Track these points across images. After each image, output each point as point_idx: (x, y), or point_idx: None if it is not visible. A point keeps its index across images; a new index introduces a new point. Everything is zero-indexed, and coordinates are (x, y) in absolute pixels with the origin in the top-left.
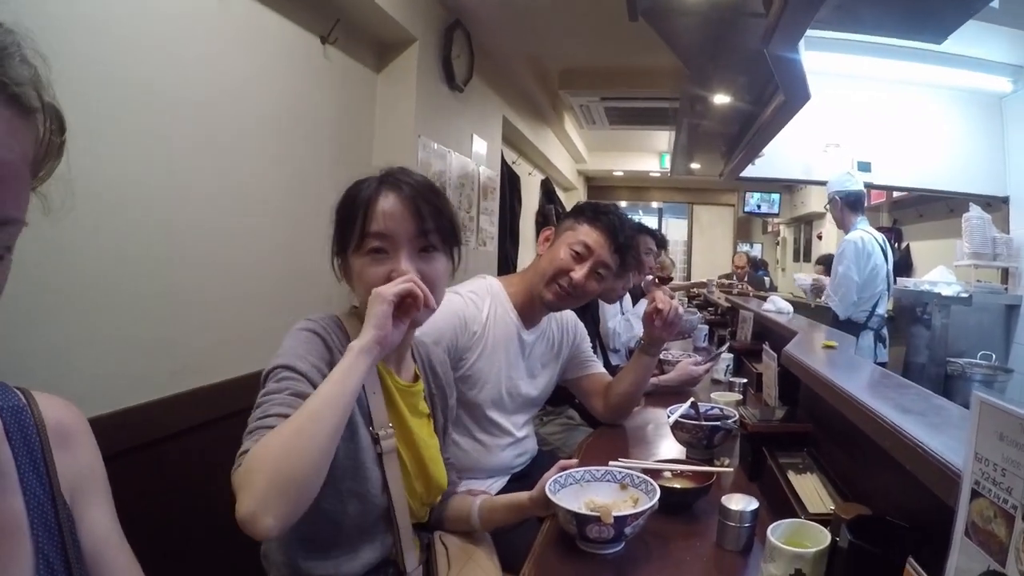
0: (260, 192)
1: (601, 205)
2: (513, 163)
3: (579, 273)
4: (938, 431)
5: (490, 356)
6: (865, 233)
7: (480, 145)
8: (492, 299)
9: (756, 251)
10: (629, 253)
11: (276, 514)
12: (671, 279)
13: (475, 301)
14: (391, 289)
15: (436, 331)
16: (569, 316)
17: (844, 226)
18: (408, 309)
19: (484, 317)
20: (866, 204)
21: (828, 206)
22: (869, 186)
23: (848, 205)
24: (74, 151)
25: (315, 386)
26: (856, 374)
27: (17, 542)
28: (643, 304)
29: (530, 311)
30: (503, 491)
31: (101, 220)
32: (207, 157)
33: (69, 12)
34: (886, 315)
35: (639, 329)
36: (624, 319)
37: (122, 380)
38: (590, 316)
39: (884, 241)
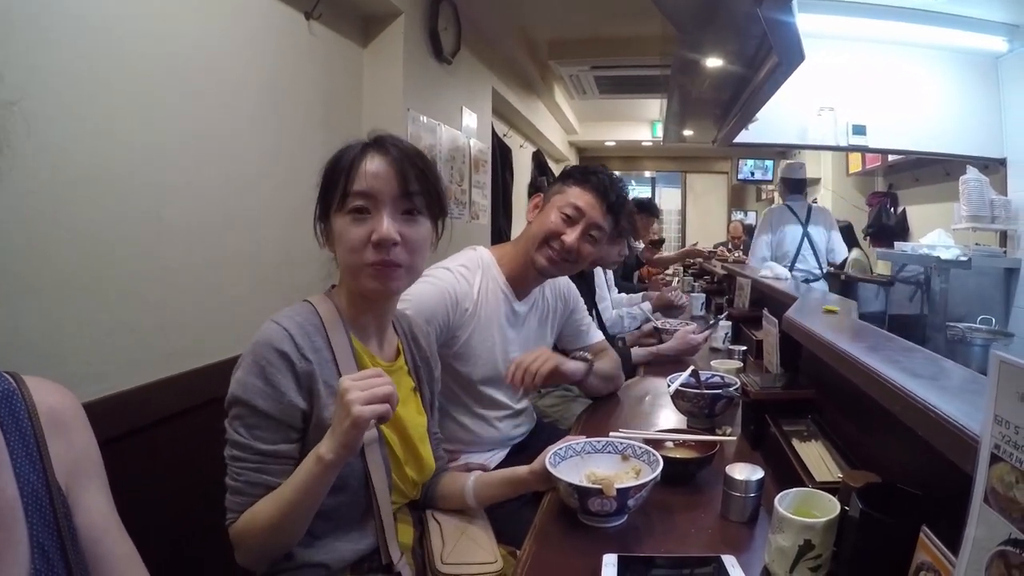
0: (249, 171)
1: (590, 166)
2: (504, 135)
3: (571, 236)
4: (950, 395)
5: (483, 331)
6: (784, 204)
7: (470, 118)
8: (483, 272)
9: (750, 219)
10: (622, 213)
11: (264, 565)
12: (663, 241)
13: (466, 276)
14: (368, 412)
15: (427, 310)
16: (562, 282)
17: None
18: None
19: (476, 293)
20: (865, 166)
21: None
22: (864, 149)
23: (787, 187)
24: (61, 135)
25: (278, 418)
26: (860, 338)
27: (11, 530)
28: (646, 307)
29: (522, 280)
30: (503, 464)
31: (90, 204)
32: (194, 139)
33: None
34: (817, 276)
35: (630, 326)
36: (616, 315)
37: (116, 364)
38: (585, 286)
39: (809, 211)
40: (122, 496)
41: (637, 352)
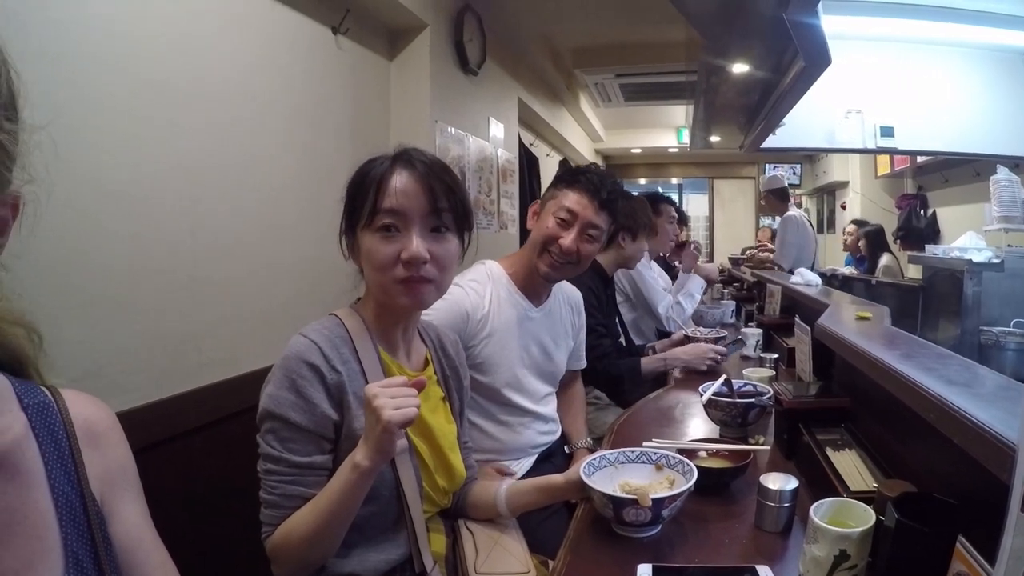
0: (280, 183)
1: (579, 167)
2: (531, 145)
3: (568, 239)
4: (986, 402)
5: (499, 341)
6: (798, 212)
7: (497, 128)
8: (493, 284)
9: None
10: (616, 208)
11: None
12: (687, 242)
13: (476, 290)
14: (399, 416)
15: (442, 325)
16: (574, 294)
17: (778, 211)
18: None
19: (487, 304)
20: (894, 168)
21: (763, 201)
22: (893, 151)
23: (778, 197)
24: (93, 150)
25: (311, 430)
26: (894, 345)
27: (45, 539)
28: (694, 281)
29: (533, 288)
30: (531, 471)
31: (122, 216)
32: (225, 152)
33: (77, 15)
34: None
35: (690, 309)
36: (675, 303)
37: (150, 375)
38: (608, 295)
39: (808, 219)
40: (156, 505)
41: (647, 363)
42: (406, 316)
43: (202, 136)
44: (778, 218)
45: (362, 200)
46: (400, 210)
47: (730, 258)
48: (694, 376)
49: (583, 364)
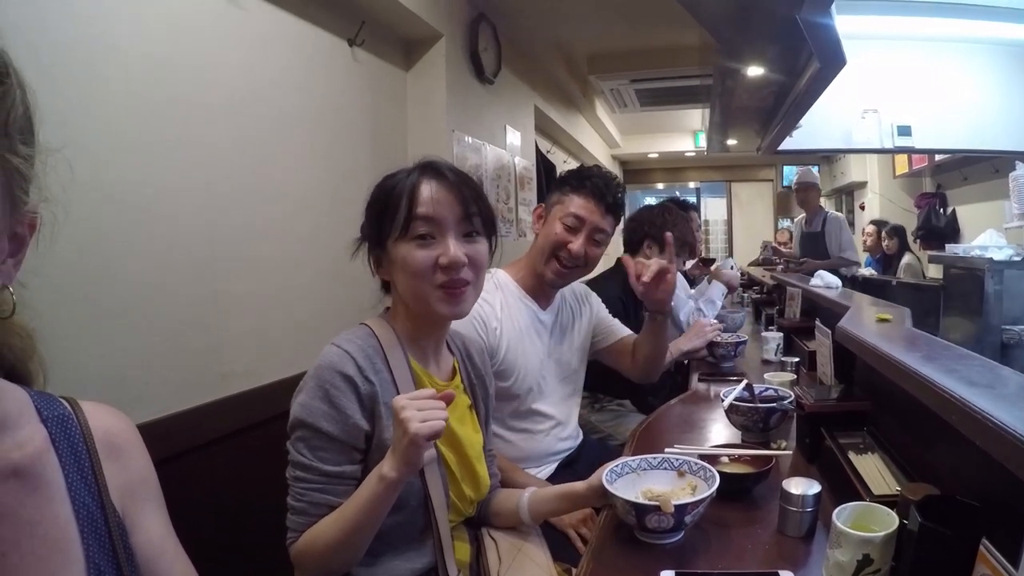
0: (300, 196)
1: (583, 170)
2: (547, 152)
3: (576, 244)
4: (1009, 403)
5: (516, 347)
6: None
7: (514, 136)
8: (502, 292)
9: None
10: (621, 211)
11: None
12: (713, 260)
13: (486, 299)
14: (426, 429)
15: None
16: (578, 288)
17: (812, 206)
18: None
19: (498, 311)
20: (912, 167)
21: (801, 192)
22: (910, 151)
23: (817, 192)
24: (113, 164)
25: (343, 440)
26: (915, 347)
27: (67, 552)
28: (716, 287)
29: (541, 291)
30: (551, 479)
31: (144, 230)
32: (245, 165)
33: (94, 34)
34: None
35: (711, 316)
36: (696, 309)
37: (170, 386)
38: (634, 301)
39: None
40: (178, 516)
41: None
42: (441, 326)
43: (221, 150)
44: (788, 220)
45: (392, 212)
46: (436, 217)
47: (763, 255)
48: (715, 382)
49: (624, 331)
